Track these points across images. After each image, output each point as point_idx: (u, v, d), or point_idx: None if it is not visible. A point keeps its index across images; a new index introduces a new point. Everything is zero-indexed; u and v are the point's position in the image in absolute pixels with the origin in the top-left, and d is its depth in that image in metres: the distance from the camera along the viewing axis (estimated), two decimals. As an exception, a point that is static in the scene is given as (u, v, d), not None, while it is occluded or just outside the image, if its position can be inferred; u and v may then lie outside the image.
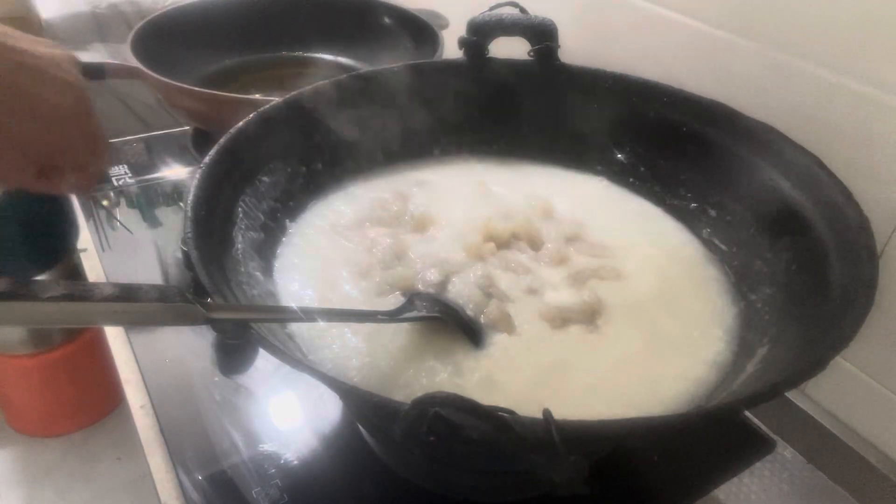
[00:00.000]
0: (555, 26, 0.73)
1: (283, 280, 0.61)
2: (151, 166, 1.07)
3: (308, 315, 0.51)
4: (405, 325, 0.55)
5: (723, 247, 0.66)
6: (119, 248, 0.90)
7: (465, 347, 0.55)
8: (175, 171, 1.06)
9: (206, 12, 1.18)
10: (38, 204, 0.84)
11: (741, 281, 0.63)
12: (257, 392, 0.69)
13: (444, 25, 1.11)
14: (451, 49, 0.94)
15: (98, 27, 1.40)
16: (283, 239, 0.66)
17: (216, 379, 0.69)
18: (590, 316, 0.59)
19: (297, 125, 0.68)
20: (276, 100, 0.66)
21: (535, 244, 0.66)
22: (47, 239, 0.90)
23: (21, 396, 1.54)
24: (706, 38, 0.75)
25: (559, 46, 0.74)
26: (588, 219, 0.70)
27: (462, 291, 0.58)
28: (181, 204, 0.98)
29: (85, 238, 0.90)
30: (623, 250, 0.67)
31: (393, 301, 0.58)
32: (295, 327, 0.55)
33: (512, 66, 0.76)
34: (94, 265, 0.86)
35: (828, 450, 0.69)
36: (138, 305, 0.39)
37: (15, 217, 0.83)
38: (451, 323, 0.55)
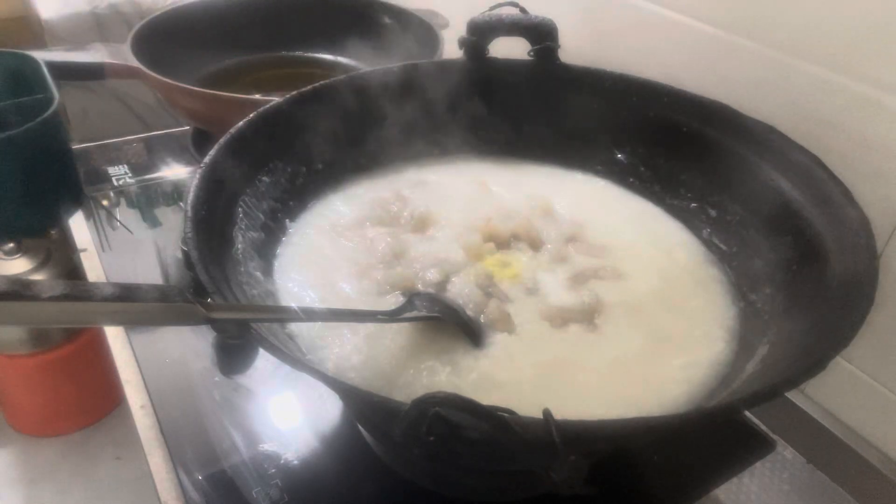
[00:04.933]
0: (555, 26, 0.73)
1: (283, 280, 0.61)
2: (151, 166, 1.07)
3: (308, 315, 0.51)
4: (405, 324, 0.55)
5: (723, 247, 0.66)
6: (119, 248, 0.90)
7: (465, 347, 0.55)
8: (175, 171, 1.06)
9: (206, 12, 1.18)
10: (40, 154, 0.83)
11: (741, 281, 0.62)
12: (257, 392, 0.69)
13: (444, 25, 1.11)
14: (451, 49, 0.94)
15: (98, 27, 1.40)
16: (283, 239, 0.66)
17: (216, 379, 0.69)
18: (590, 316, 0.59)
19: (297, 125, 0.68)
20: (276, 100, 0.66)
21: (535, 244, 0.66)
22: (49, 194, 0.88)
23: (21, 396, 1.54)
24: (706, 38, 0.75)
25: (559, 46, 0.74)
26: (588, 219, 0.70)
27: (462, 291, 0.58)
28: (181, 204, 0.98)
29: (85, 238, 0.90)
30: (623, 250, 0.67)
31: (393, 301, 0.58)
32: (295, 327, 0.55)
33: (512, 66, 0.76)
34: (94, 265, 0.86)
35: (828, 450, 0.69)
36: (138, 305, 0.39)
37: (16, 165, 0.81)
38: (451, 323, 0.55)
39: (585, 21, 0.90)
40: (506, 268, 0.63)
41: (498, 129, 0.79)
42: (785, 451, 0.70)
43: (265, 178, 0.65)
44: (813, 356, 0.43)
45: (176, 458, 0.62)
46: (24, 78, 0.91)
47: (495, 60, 0.76)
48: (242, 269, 0.56)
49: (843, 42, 0.63)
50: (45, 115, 0.81)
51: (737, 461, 0.66)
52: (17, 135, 0.79)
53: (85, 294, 0.37)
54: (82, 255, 0.88)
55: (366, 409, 0.56)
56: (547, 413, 0.34)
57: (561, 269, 0.64)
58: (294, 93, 0.68)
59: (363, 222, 0.68)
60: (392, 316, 0.53)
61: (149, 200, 1.00)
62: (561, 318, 0.58)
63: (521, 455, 0.34)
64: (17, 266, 1.28)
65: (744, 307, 0.60)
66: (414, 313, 0.53)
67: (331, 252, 0.65)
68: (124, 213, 0.96)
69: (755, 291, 0.60)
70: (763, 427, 0.70)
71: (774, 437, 0.69)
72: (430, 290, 0.59)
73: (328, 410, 0.67)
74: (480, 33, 0.73)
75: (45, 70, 0.88)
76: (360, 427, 0.64)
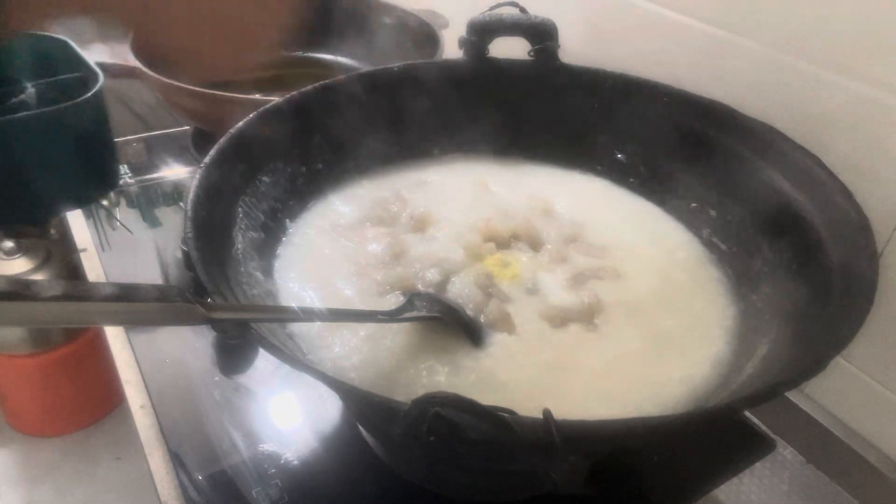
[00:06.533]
0: (555, 26, 0.73)
1: (283, 280, 0.61)
2: (151, 166, 1.07)
3: (308, 315, 0.50)
4: (405, 325, 0.55)
5: (723, 247, 0.66)
6: (119, 248, 0.90)
7: (465, 347, 0.55)
8: (175, 171, 1.06)
9: (206, 12, 1.18)
10: (89, 129, 0.83)
11: (741, 281, 0.62)
12: (257, 392, 0.69)
13: (444, 25, 1.11)
14: (451, 49, 0.94)
15: (98, 27, 1.39)
16: (284, 239, 0.66)
17: (216, 379, 0.69)
18: (589, 316, 0.59)
19: (297, 125, 0.68)
20: (276, 100, 0.66)
21: (534, 244, 0.66)
22: (92, 172, 0.88)
23: (21, 396, 1.54)
24: (706, 38, 0.75)
25: (559, 46, 0.74)
26: (588, 219, 0.70)
27: (462, 291, 0.58)
28: (181, 204, 0.98)
29: (85, 238, 0.90)
30: (623, 250, 0.67)
31: (393, 301, 0.58)
32: (295, 327, 0.55)
33: (512, 66, 0.76)
34: (94, 265, 0.86)
35: (828, 450, 0.69)
36: (138, 305, 0.39)
37: (66, 138, 0.81)
38: (451, 323, 0.55)
39: (586, 21, 0.90)
40: (506, 268, 0.63)
41: (498, 129, 0.79)
42: (785, 451, 0.70)
43: (265, 178, 0.65)
44: (813, 356, 0.43)
45: (176, 458, 0.62)
46: (53, 60, 0.90)
47: (495, 60, 0.76)
48: (242, 269, 0.56)
49: (843, 42, 0.63)
50: (95, 89, 0.81)
51: (737, 461, 0.66)
52: (70, 107, 0.78)
53: (85, 294, 0.37)
54: (82, 255, 0.88)
55: (366, 409, 0.56)
56: (547, 413, 0.34)
57: (561, 269, 0.64)
58: (294, 93, 0.68)
59: (363, 222, 0.68)
60: (392, 316, 0.53)
61: (149, 200, 1.00)
62: (561, 318, 0.58)
63: (521, 455, 0.34)
64: (17, 266, 1.28)
65: (744, 307, 0.60)
66: (414, 313, 0.53)
67: (331, 252, 0.65)
68: (124, 213, 0.96)
69: (755, 291, 0.60)
70: (763, 427, 0.70)
71: (774, 437, 0.69)
72: (430, 290, 0.59)
73: (328, 410, 0.67)
74: (480, 33, 0.73)
75: (79, 50, 0.87)
76: (360, 427, 0.64)
